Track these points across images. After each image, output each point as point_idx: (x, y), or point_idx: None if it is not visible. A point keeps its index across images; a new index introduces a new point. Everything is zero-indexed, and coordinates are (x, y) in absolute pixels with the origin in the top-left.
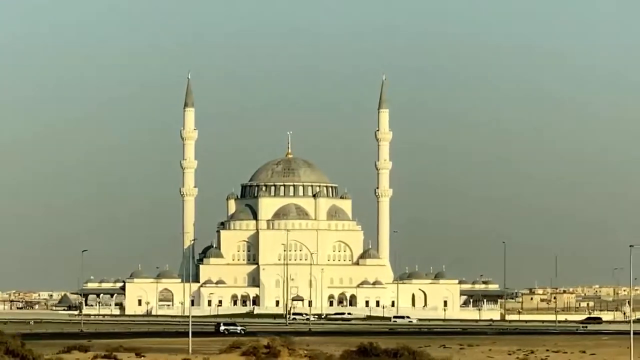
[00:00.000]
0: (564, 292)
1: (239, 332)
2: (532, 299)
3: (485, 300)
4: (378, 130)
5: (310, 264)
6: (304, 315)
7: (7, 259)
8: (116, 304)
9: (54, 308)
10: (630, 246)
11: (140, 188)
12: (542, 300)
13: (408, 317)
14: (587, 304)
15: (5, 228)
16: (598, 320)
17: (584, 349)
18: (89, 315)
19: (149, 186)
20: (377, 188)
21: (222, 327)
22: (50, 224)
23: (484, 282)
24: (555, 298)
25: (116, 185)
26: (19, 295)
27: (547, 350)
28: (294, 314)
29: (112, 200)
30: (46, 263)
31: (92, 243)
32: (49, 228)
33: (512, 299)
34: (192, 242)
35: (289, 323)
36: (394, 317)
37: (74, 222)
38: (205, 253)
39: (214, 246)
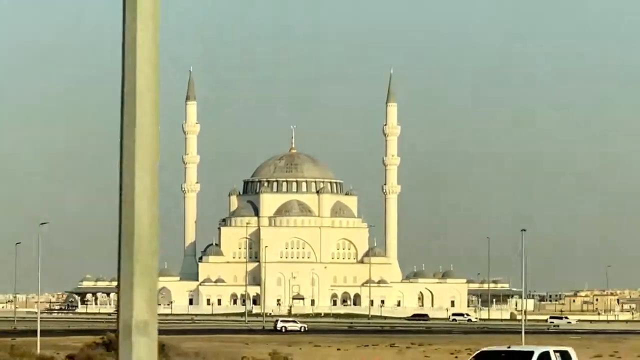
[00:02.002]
0: (612, 294)
1: (298, 329)
2: (574, 301)
3: (494, 300)
4: (386, 125)
5: (314, 262)
6: (465, 315)
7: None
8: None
9: (57, 308)
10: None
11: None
12: (584, 302)
13: (566, 317)
14: (623, 306)
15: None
16: (425, 317)
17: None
18: (79, 314)
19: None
20: (385, 184)
21: (279, 325)
22: (52, 221)
23: (494, 282)
24: (597, 300)
25: (116, 181)
26: (62, 296)
27: None
28: (453, 314)
29: (112, 196)
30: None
31: (94, 240)
32: (51, 226)
33: (556, 301)
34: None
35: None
36: (551, 317)
37: (76, 219)
38: (206, 251)
39: (215, 244)
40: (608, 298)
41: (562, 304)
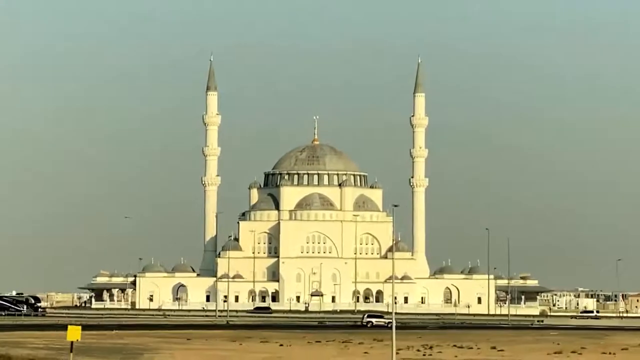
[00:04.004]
0: None
1: (385, 325)
2: (638, 300)
3: (523, 296)
4: (413, 116)
5: (335, 257)
6: (595, 312)
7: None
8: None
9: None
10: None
11: (159, 176)
12: None
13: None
14: None
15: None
16: (267, 310)
17: (502, 345)
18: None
19: (168, 175)
20: (412, 177)
21: (365, 319)
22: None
23: (522, 278)
24: None
25: (134, 174)
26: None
27: (454, 345)
28: (582, 312)
29: (128, 191)
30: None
31: (106, 235)
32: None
33: (617, 301)
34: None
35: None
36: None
37: (88, 213)
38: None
39: (233, 238)
40: None
41: (626, 303)
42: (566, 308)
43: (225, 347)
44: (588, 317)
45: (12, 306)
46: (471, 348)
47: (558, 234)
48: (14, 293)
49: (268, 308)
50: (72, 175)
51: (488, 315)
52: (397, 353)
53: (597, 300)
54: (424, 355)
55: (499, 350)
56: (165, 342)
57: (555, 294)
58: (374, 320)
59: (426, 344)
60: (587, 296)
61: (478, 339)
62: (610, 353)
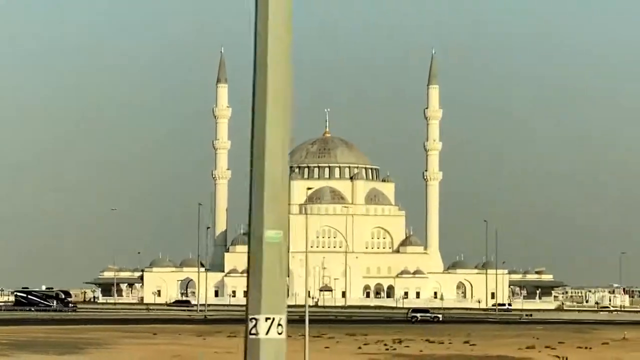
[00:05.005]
0: None
1: (431, 319)
2: None
3: (538, 291)
4: (427, 108)
5: (345, 252)
6: (507, 305)
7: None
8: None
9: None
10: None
11: (169, 171)
12: None
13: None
14: None
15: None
16: (187, 304)
17: (478, 340)
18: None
19: (178, 168)
20: (426, 171)
21: (410, 314)
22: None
23: (537, 273)
24: None
25: (142, 168)
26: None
27: (427, 340)
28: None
29: (136, 185)
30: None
31: (115, 230)
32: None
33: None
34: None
35: None
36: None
37: (95, 209)
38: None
39: (242, 233)
40: None
41: None
42: (597, 304)
43: (185, 342)
44: (502, 310)
45: (42, 301)
46: (442, 343)
47: (584, 230)
48: (43, 288)
49: (188, 302)
50: (77, 171)
51: (483, 309)
52: (359, 348)
53: (631, 296)
54: (387, 349)
55: (471, 345)
56: (129, 336)
57: (590, 290)
58: (419, 315)
59: (397, 339)
60: (567, 288)
61: (458, 333)
62: (586, 347)
